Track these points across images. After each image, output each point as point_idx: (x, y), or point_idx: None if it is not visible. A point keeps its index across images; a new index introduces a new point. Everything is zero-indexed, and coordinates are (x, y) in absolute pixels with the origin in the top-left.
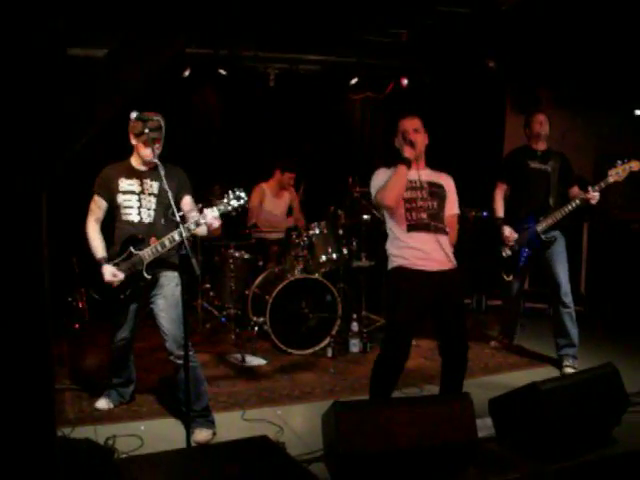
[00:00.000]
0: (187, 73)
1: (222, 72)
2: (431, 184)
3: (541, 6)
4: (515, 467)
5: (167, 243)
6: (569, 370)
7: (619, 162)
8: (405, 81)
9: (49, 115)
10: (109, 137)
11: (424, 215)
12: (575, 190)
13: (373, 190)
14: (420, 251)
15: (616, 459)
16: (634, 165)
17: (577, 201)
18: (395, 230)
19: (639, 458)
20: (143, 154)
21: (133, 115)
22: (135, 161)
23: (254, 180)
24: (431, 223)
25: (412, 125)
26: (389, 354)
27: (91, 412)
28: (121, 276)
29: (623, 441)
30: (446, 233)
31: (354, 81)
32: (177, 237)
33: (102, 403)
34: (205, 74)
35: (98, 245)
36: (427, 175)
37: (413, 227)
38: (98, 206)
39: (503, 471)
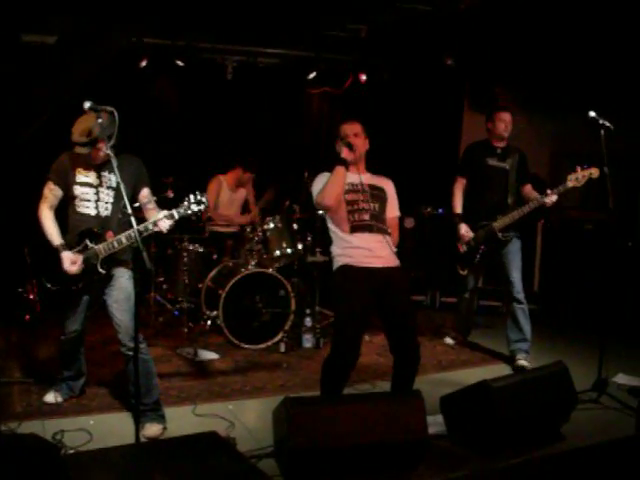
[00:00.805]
0: (144, 63)
1: (179, 63)
2: (372, 187)
3: (500, 6)
4: (465, 463)
5: (124, 240)
6: (522, 363)
7: (579, 167)
8: (363, 77)
9: None
10: (63, 124)
11: (366, 216)
12: (528, 189)
13: (314, 193)
14: (365, 249)
15: (564, 455)
16: (594, 172)
17: (534, 203)
18: (339, 232)
19: (586, 454)
20: (97, 146)
21: (86, 105)
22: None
23: (210, 172)
24: (374, 224)
25: (352, 130)
26: (338, 353)
27: (40, 406)
28: (80, 263)
29: (571, 438)
30: (389, 234)
31: (312, 75)
32: (133, 235)
33: (51, 397)
34: (162, 65)
35: (54, 232)
36: (368, 179)
37: (356, 228)
38: (54, 194)
39: (453, 468)
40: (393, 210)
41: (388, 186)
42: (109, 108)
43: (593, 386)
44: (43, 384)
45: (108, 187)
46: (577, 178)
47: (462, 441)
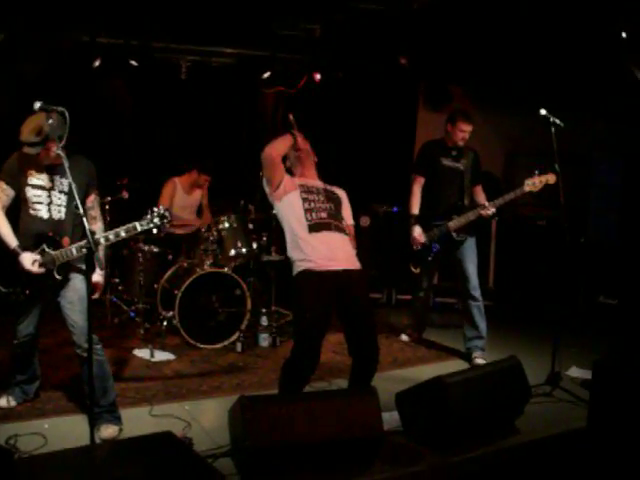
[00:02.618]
0: (97, 63)
1: (133, 63)
2: (326, 190)
3: (453, 5)
4: (421, 459)
5: (82, 250)
6: (478, 362)
7: (537, 172)
8: (318, 76)
9: None
10: (12, 127)
11: (324, 214)
12: (478, 190)
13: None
14: (324, 251)
15: (518, 448)
16: (550, 178)
17: (473, 213)
18: (297, 233)
19: (540, 447)
20: (47, 147)
21: (37, 105)
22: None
23: (165, 173)
24: (332, 222)
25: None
26: (300, 359)
27: None
28: (40, 263)
29: (525, 431)
30: (347, 234)
31: (266, 75)
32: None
33: (3, 401)
34: (116, 65)
35: (9, 233)
36: (322, 185)
37: (314, 227)
38: (6, 194)
39: (409, 463)
40: (349, 218)
41: (342, 194)
42: (60, 108)
43: (547, 380)
44: None
45: (60, 191)
46: (534, 183)
47: (417, 437)
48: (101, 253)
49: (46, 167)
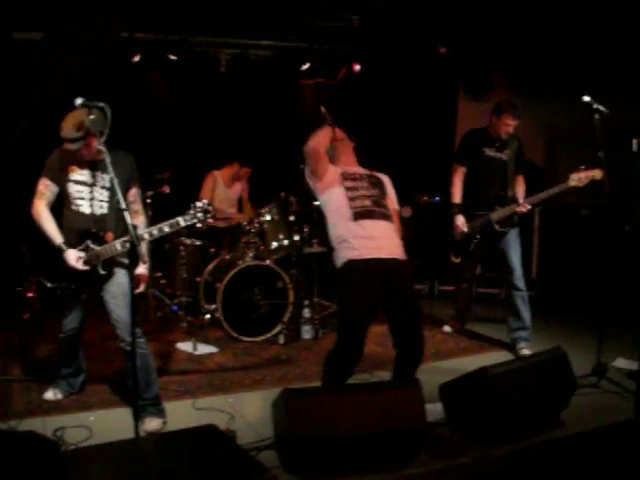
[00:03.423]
0: (137, 58)
1: (172, 57)
2: (369, 176)
3: None
4: (465, 451)
5: (128, 244)
6: (524, 352)
7: (582, 167)
8: (357, 67)
9: None
10: (55, 123)
11: (368, 202)
12: (519, 180)
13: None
14: (369, 239)
15: (563, 441)
16: (597, 174)
17: (507, 209)
18: (341, 222)
19: (585, 440)
20: (87, 142)
21: (78, 101)
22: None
23: (204, 166)
24: (376, 209)
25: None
26: (344, 351)
27: (40, 404)
28: (85, 260)
29: (570, 423)
30: (392, 221)
31: (306, 67)
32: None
33: (50, 394)
34: (155, 59)
35: (54, 230)
36: (363, 171)
37: (359, 215)
38: (50, 190)
39: (453, 455)
40: (393, 203)
41: (385, 179)
42: (100, 104)
43: (592, 371)
44: (43, 382)
45: (102, 187)
46: (579, 178)
47: (461, 428)
48: (144, 247)
49: (88, 163)
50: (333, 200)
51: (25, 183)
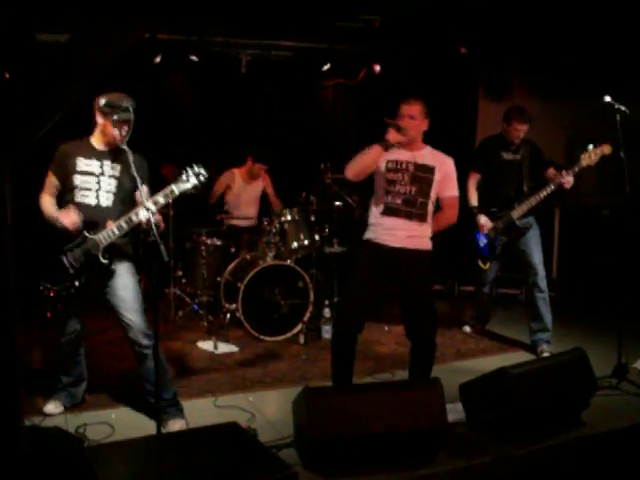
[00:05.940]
0: (158, 59)
1: (193, 58)
2: (419, 167)
3: None
4: (485, 451)
5: (124, 225)
6: (545, 355)
7: (591, 146)
8: (377, 67)
9: (14, 101)
10: (72, 122)
11: (399, 201)
12: (551, 172)
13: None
14: (387, 230)
15: (584, 441)
16: (605, 149)
17: (552, 186)
18: (374, 210)
19: (606, 440)
20: (112, 134)
21: (101, 102)
22: (96, 141)
23: (225, 166)
24: (403, 209)
25: (409, 111)
26: (341, 320)
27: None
28: (80, 219)
29: (591, 424)
30: (420, 219)
31: (326, 67)
32: (134, 218)
33: (51, 407)
34: (176, 60)
35: (51, 207)
36: (420, 157)
37: (386, 211)
38: (53, 184)
39: (473, 455)
40: (446, 190)
41: (443, 165)
42: (125, 104)
43: (613, 372)
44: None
45: (110, 176)
46: (590, 156)
47: (481, 428)
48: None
49: (95, 153)
50: (376, 182)
51: (38, 182)
